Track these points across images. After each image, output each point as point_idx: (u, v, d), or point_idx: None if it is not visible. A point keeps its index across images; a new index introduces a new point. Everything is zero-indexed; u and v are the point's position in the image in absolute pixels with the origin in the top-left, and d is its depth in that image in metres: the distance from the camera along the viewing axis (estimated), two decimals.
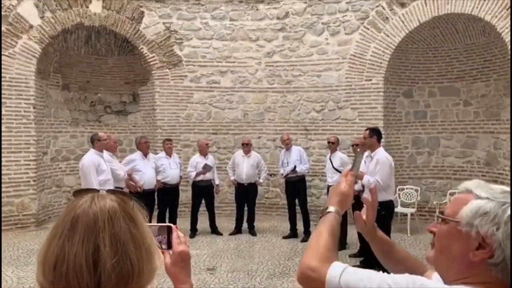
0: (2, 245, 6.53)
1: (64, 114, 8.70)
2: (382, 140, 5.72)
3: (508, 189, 0.95)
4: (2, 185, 7.36)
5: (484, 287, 0.91)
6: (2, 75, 7.32)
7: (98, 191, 0.87)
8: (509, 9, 6.49)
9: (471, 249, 0.92)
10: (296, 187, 7.09)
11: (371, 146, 5.24)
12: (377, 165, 5.03)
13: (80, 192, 0.87)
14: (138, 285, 0.81)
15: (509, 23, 6.53)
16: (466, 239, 0.93)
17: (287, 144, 7.29)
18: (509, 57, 6.69)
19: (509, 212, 0.89)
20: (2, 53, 7.31)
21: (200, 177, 7.14)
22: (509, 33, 6.55)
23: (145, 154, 6.75)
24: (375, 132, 5.27)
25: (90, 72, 8.95)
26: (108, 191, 0.88)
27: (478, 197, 0.95)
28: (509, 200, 0.91)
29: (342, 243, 6.44)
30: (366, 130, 5.48)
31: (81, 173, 5.75)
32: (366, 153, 5.36)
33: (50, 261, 0.77)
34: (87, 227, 0.78)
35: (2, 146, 7.35)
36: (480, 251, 0.91)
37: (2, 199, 7.37)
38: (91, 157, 5.73)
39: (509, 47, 6.55)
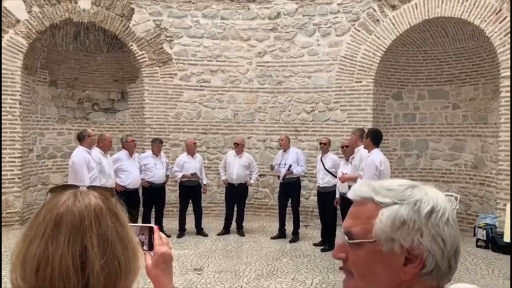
0: None
1: (51, 110, 8.56)
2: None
3: (403, 181, 0.84)
4: None
5: None
6: None
7: (77, 187, 0.82)
8: (497, 14, 6.56)
9: (399, 267, 0.78)
10: (291, 188, 7.04)
11: (366, 147, 5.22)
12: (364, 167, 5.06)
13: (57, 189, 0.81)
14: (125, 286, 0.77)
15: (498, 27, 6.60)
16: (390, 257, 0.79)
17: (280, 145, 7.26)
18: (497, 61, 6.76)
19: (425, 209, 0.78)
20: None
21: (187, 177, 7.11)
22: (498, 37, 6.62)
23: (131, 154, 6.67)
24: (371, 134, 5.24)
25: (78, 69, 8.83)
26: (89, 187, 0.83)
27: (382, 205, 0.80)
28: (415, 194, 0.80)
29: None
30: (365, 132, 5.45)
31: (72, 170, 5.64)
32: (360, 152, 5.39)
33: (31, 264, 0.72)
34: (72, 227, 0.73)
35: None
36: (410, 266, 0.78)
37: None
38: (81, 153, 5.64)
39: (510, 50, 6.62)
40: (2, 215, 7.37)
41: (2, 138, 7.35)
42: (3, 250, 6.11)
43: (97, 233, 0.74)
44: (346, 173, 5.63)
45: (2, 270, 5.27)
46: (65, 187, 0.82)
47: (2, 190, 7.36)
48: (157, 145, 7.05)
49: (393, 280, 0.79)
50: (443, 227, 0.79)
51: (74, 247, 0.72)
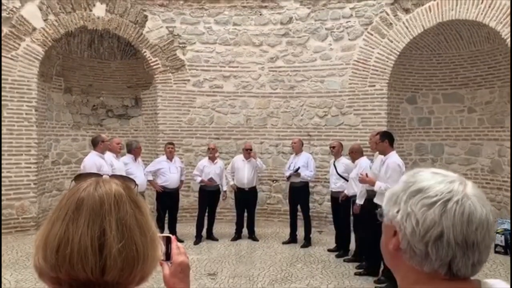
0: (2, 248, 6.48)
1: (66, 117, 8.67)
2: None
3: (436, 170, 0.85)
4: (2, 188, 7.32)
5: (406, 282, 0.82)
6: (5, 77, 7.31)
7: (101, 175, 0.84)
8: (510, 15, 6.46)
9: (390, 237, 0.83)
10: (299, 192, 7.02)
11: (383, 151, 5.11)
12: (388, 170, 4.92)
13: (81, 176, 0.85)
14: (142, 272, 0.79)
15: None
16: (387, 227, 0.85)
17: (292, 148, 7.24)
18: None
19: (413, 187, 0.81)
20: (5, 55, 7.30)
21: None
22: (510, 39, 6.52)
23: (136, 158, 6.76)
24: (386, 136, 5.15)
25: (92, 76, 8.94)
26: (112, 176, 0.85)
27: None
28: (423, 181, 0.81)
29: (344, 248, 6.39)
30: (376, 134, 5.33)
31: None
32: (380, 157, 5.26)
33: (52, 244, 0.75)
34: (92, 210, 0.76)
35: (3, 148, 7.32)
36: (393, 238, 0.82)
37: (2, 202, 7.33)
38: (92, 158, 5.71)
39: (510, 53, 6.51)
40: (18, 221, 7.47)
41: (19, 144, 7.46)
42: (19, 254, 6.19)
43: (116, 218, 0.76)
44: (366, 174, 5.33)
45: (2, 270, 5.32)
46: (89, 175, 0.84)
47: (18, 196, 7.47)
48: (168, 149, 7.09)
49: (386, 247, 0.85)
50: (422, 209, 0.78)
51: (93, 229, 0.75)
